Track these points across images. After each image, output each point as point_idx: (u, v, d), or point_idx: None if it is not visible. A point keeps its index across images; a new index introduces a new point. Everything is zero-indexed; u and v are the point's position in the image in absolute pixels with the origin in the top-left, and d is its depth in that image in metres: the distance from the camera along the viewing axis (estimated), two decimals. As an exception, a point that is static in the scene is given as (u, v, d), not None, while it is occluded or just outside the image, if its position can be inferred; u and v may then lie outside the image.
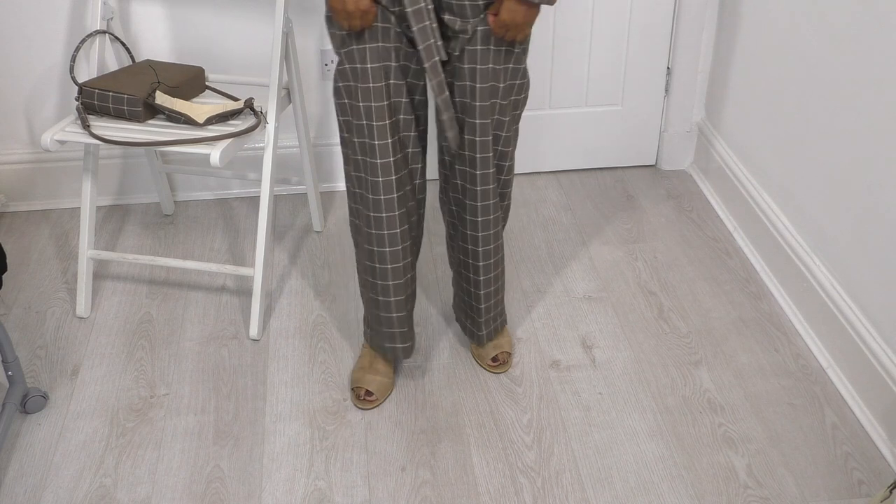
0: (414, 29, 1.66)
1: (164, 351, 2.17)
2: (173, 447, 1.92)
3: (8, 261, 2.47)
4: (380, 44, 1.70)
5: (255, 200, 2.75)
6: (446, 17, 1.70)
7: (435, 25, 1.67)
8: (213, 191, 2.76)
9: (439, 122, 1.80)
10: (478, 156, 1.80)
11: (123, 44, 2.34)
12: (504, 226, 1.98)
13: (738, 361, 2.12)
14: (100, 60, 2.28)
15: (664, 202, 2.72)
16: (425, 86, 1.82)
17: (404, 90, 1.76)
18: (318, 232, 2.60)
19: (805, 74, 2.18)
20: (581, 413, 1.99)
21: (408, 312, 1.98)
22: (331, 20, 1.72)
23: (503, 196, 1.94)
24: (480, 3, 1.68)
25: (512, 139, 1.85)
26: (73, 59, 2.20)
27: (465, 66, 1.73)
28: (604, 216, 2.66)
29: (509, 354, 2.12)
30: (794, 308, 2.25)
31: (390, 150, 1.77)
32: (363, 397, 2.01)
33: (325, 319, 2.26)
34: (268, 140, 2.17)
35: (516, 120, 1.85)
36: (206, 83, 2.30)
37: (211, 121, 2.09)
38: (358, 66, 1.71)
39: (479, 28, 1.70)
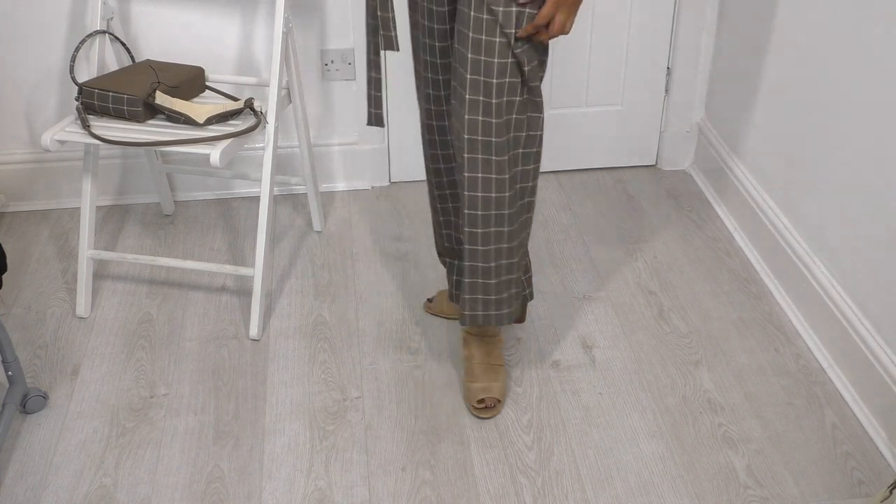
0: None
1: (164, 351, 2.17)
2: (173, 447, 1.92)
3: (8, 261, 2.47)
4: None
5: (255, 200, 2.75)
6: None
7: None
8: (213, 191, 2.76)
9: None
10: None
11: (123, 44, 2.34)
12: None
13: (738, 361, 2.12)
14: (100, 60, 2.28)
15: (664, 202, 2.72)
16: None
17: None
18: (318, 232, 2.59)
19: (805, 74, 2.18)
20: (581, 413, 1.99)
21: None
22: None
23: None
24: None
25: None
26: (73, 59, 2.20)
27: None
28: (604, 216, 2.66)
29: (499, 401, 1.98)
30: (794, 308, 2.25)
31: None
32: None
33: (325, 319, 2.26)
34: (268, 140, 2.17)
35: None
36: (206, 83, 2.30)
37: (211, 121, 2.09)
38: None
39: None
